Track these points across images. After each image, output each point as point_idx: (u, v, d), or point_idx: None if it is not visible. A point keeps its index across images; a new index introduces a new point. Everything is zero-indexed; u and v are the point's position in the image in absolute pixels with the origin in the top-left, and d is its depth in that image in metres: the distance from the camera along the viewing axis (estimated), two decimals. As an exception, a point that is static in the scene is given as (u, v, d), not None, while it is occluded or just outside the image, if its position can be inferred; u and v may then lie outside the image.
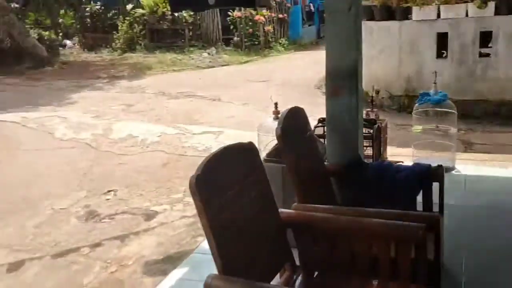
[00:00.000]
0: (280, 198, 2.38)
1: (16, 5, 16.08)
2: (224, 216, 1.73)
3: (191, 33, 14.89)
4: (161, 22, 14.70)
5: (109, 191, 4.60)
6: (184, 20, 14.75)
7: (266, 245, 1.93)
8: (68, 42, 16.29)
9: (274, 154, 2.91)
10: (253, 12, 14.20)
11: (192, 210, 4.04)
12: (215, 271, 1.68)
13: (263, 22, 14.37)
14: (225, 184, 1.80)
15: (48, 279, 3.18)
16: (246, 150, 1.98)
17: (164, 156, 5.49)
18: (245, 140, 2.01)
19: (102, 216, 4.08)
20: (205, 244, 3.35)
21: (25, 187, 4.76)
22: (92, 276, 3.18)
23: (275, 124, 3.09)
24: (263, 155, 2.90)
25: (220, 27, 14.86)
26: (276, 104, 3.39)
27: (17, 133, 6.53)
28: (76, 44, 16.12)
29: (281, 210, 2.08)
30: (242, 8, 13.89)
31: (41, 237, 3.75)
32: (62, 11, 17.09)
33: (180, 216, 4.02)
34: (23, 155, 5.69)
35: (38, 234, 3.80)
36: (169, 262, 3.28)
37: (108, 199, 4.42)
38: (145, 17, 14.76)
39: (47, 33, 16.68)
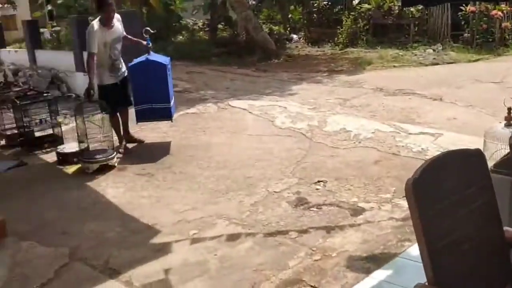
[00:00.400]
0: (506, 214, 2.13)
1: (253, 2, 17.67)
2: (440, 224, 1.62)
3: (416, 29, 14.29)
4: (386, 17, 14.45)
5: (319, 181, 4.74)
6: (410, 15, 14.22)
7: (485, 263, 1.75)
8: (294, 36, 17.25)
9: (504, 164, 2.60)
10: (489, 7, 12.87)
11: (401, 212, 3.91)
12: (420, 279, 1.59)
13: (500, 18, 12.93)
14: (445, 191, 1.68)
15: (259, 255, 3.45)
16: (472, 157, 1.81)
17: (376, 154, 5.41)
18: (466, 145, 1.85)
19: (310, 205, 4.24)
20: (412, 250, 3.22)
21: (246, 168, 5.23)
22: (297, 260, 3.33)
23: (506, 131, 2.78)
24: (489, 164, 2.62)
25: (449, 22, 13.90)
26: (509, 109, 3.03)
27: (244, 119, 7.21)
28: (301, 39, 16.97)
29: (506, 228, 1.85)
30: (477, 2, 12.71)
31: (255, 215, 4.09)
32: (292, 7, 18.17)
33: (388, 217, 3.92)
34: (248, 139, 6.26)
35: (253, 212, 4.15)
36: (373, 261, 3.24)
37: (317, 189, 4.56)
38: (370, 12, 14.70)
39: (276, 27, 17.98)
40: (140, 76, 5.86)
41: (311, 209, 4.16)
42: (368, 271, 3.09)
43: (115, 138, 5.90)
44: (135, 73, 5.90)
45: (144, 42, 6.00)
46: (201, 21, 20.41)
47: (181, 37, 17.90)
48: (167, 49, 15.63)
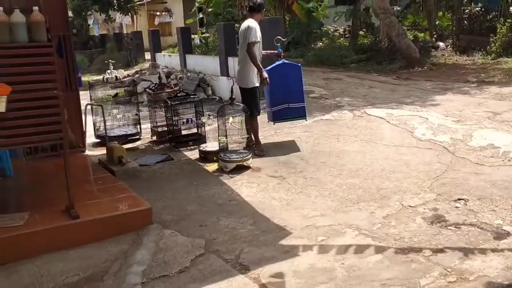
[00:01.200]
0: None
1: (398, 8, 17.09)
2: None
3: None
4: (549, 23, 13.01)
5: (459, 199, 4.44)
6: None
7: None
8: (441, 44, 16.32)
9: None
10: None
11: (555, 241, 3.50)
12: None
13: None
14: None
15: (388, 269, 3.34)
16: None
17: (528, 174, 4.90)
18: None
19: (448, 223, 3.98)
20: None
21: (380, 179, 5.09)
22: (430, 280, 3.16)
23: None
24: None
25: None
26: None
27: (381, 128, 7.01)
28: (448, 47, 16.00)
29: None
30: None
31: (387, 228, 3.96)
32: (440, 13, 17.23)
33: (538, 244, 3.53)
34: (383, 149, 6.09)
35: (385, 225, 4.03)
36: (517, 291, 2.95)
37: (457, 207, 4.27)
38: (530, 19, 13.34)
39: (422, 34, 17.19)
40: (276, 77, 6.22)
41: (449, 227, 3.91)
42: (510, 302, 2.82)
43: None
44: (273, 75, 6.19)
45: (275, 52, 6.35)
46: (342, 27, 20.35)
47: (320, 43, 17.99)
48: (306, 55, 15.89)
